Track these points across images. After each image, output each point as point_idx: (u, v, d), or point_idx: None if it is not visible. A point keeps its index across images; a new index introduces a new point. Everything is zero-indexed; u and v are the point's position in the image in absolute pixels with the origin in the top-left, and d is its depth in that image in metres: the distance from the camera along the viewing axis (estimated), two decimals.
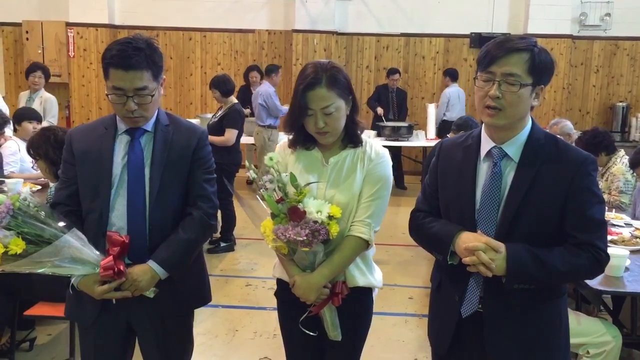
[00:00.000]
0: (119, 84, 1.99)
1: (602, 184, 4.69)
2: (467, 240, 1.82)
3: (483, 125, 1.93)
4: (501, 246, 1.78)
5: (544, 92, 1.88)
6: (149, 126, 2.13)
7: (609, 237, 3.37)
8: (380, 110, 8.66)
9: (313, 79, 2.02)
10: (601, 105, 9.70)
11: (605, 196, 4.55)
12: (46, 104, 6.54)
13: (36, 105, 6.29)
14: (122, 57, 1.96)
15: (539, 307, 1.87)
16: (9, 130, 4.91)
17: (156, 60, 2.04)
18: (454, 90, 8.77)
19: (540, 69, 1.80)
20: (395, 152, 8.68)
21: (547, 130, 6.17)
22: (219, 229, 5.94)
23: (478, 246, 1.77)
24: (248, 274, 5.28)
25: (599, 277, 2.81)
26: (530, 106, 1.84)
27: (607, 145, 4.77)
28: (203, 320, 4.18)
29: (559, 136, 5.69)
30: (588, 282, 2.76)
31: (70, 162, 2.15)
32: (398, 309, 4.51)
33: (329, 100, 2.03)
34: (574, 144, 5.69)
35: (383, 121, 8.45)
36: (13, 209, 1.89)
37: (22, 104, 6.17)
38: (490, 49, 1.81)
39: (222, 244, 5.82)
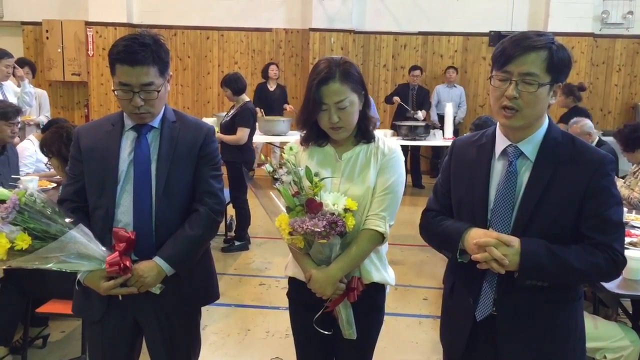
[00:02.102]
0: (125, 80, 1.99)
1: (631, 181, 4.57)
2: (476, 236, 1.77)
3: (498, 123, 1.88)
4: (514, 240, 1.72)
5: (561, 89, 1.82)
6: (156, 122, 2.13)
7: (629, 239, 3.29)
8: (396, 99, 8.57)
9: (327, 73, 2.02)
10: (623, 104, 9.55)
11: (627, 191, 4.44)
12: (40, 99, 6.62)
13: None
14: (128, 52, 1.95)
15: (553, 311, 1.81)
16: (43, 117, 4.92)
17: (162, 56, 2.02)
18: None
19: (559, 66, 1.73)
20: (413, 152, 8.64)
21: (567, 129, 6.02)
22: (234, 228, 5.96)
23: (489, 242, 1.72)
24: (262, 273, 5.26)
25: (617, 280, 2.76)
26: (547, 105, 1.78)
27: None
28: (216, 319, 4.18)
29: (578, 135, 5.56)
30: (605, 285, 2.70)
31: (77, 159, 2.15)
32: (412, 310, 4.47)
33: (343, 95, 2.02)
34: (594, 144, 5.61)
35: (408, 110, 8.39)
36: (19, 204, 1.89)
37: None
38: (507, 47, 1.74)
39: (237, 243, 5.81)
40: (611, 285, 2.71)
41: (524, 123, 1.77)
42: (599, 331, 2.93)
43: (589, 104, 9.42)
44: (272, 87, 8.63)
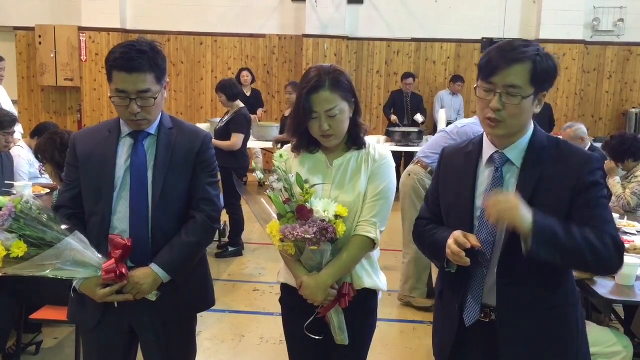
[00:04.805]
0: (122, 87, 1.99)
1: (624, 184, 4.62)
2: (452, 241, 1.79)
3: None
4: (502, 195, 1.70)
5: (546, 97, 1.83)
6: (153, 129, 2.13)
7: None
8: (393, 118, 8.65)
9: (317, 82, 2.03)
10: (614, 111, 9.63)
11: (621, 189, 4.49)
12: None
13: None
14: (125, 59, 1.96)
15: (552, 316, 1.82)
16: (18, 134, 4.87)
17: (159, 63, 2.03)
18: None
19: (543, 77, 1.75)
20: (407, 158, 8.67)
21: (561, 133, 6.05)
22: (227, 234, 5.95)
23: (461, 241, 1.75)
24: (255, 279, 5.26)
25: (610, 286, 2.79)
26: (532, 114, 1.80)
27: (635, 152, 4.61)
28: (209, 325, 4.17)
29: (571, 139, 5.56)
30: (598, 290, 2.72)
31: (73, 165, 2.15)
32: (406, 316, 4.48)
33: (333, 103, 2.04)
34: (586, 149, 5.65)
35: (400, 126, 8.45)
36: (15, 211, 1.89)
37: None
38: (492, 58, 1.76)
39: (230, 249, 5.81)
40: (604, 291, 2.73)
41: (508, 132, 1.79)
42: (591, 337, 2.89)
43: (581, 110, 9.50)
44: (247, 92, 8.61)
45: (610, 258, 1.72)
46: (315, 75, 2.05)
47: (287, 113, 7.13)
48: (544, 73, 1.75)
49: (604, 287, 2.78)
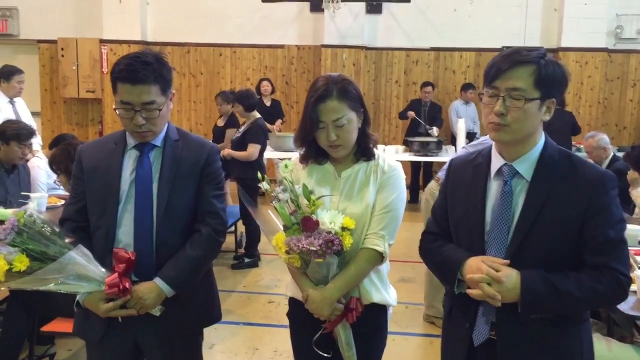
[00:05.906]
0: (126, 98, 1.98)
1: None
2: (470, 269, 1.72)
3: (494, 142, 1.83)
4: (503, 275, 1.66)
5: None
6: (158, 141, 2.11)
7: None
8: (411, 113, 8.49)
9: (324, 91, 2.00)
10: (638, 120, 9.42)
11: None
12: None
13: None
14: (129, 71, 1.95)
15: (556, 335, 1.74)
16: (37, 145, 4.90)
17: (164, 75, 2.01)
18: None
19: (549, 81, 1.69)
20: (425, 168, 8.59)
21: (583, 143, 5.93)
22: (244, 245, 5.93)
23: (484, 278, 1.67)
24: (271, 290, 5.22)
25: (631, 301, 2.68)
26: (540, 121, 1.74)
27: None
28: (224, 338, 4.13)
29: (593, 150, 5.46)
30: (619, 306, 2.61)
31: (79, 178, 2.14)
32: (423, 330, 4.39)
33: (341, 113, 2.00)
34: (609, 159, 5.53)
35: (422, 125, 8.30)
36: (18, 225, 1.87)
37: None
38: (496, 63, 1.72)
39: (246, 260, 5.78)
40: (625, 307, 2.63)
41: (513, 138, 1.73)
42: (613, 354, 2.84)
43: (604, 119, 9.32)
44: (267, 102, 8.59)
45: (609, 302, 1.79)
46: (322, 84, 2.02)
47: (219, 123, 7.17)
48: (549, 77, 1.69)
49: (625, 302, 2.66)
